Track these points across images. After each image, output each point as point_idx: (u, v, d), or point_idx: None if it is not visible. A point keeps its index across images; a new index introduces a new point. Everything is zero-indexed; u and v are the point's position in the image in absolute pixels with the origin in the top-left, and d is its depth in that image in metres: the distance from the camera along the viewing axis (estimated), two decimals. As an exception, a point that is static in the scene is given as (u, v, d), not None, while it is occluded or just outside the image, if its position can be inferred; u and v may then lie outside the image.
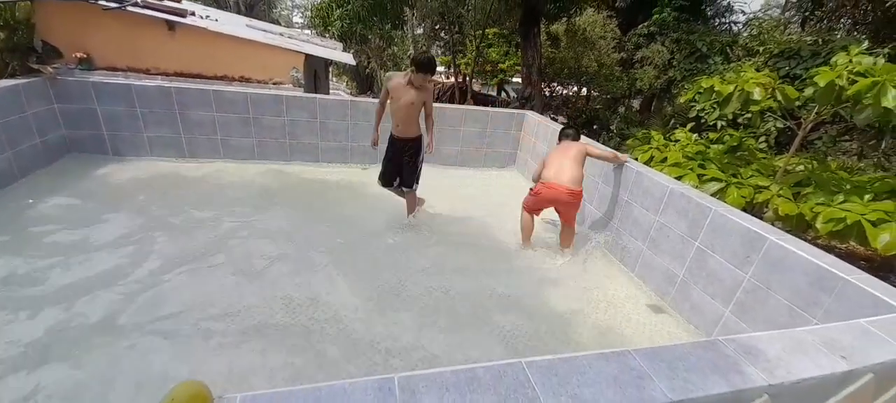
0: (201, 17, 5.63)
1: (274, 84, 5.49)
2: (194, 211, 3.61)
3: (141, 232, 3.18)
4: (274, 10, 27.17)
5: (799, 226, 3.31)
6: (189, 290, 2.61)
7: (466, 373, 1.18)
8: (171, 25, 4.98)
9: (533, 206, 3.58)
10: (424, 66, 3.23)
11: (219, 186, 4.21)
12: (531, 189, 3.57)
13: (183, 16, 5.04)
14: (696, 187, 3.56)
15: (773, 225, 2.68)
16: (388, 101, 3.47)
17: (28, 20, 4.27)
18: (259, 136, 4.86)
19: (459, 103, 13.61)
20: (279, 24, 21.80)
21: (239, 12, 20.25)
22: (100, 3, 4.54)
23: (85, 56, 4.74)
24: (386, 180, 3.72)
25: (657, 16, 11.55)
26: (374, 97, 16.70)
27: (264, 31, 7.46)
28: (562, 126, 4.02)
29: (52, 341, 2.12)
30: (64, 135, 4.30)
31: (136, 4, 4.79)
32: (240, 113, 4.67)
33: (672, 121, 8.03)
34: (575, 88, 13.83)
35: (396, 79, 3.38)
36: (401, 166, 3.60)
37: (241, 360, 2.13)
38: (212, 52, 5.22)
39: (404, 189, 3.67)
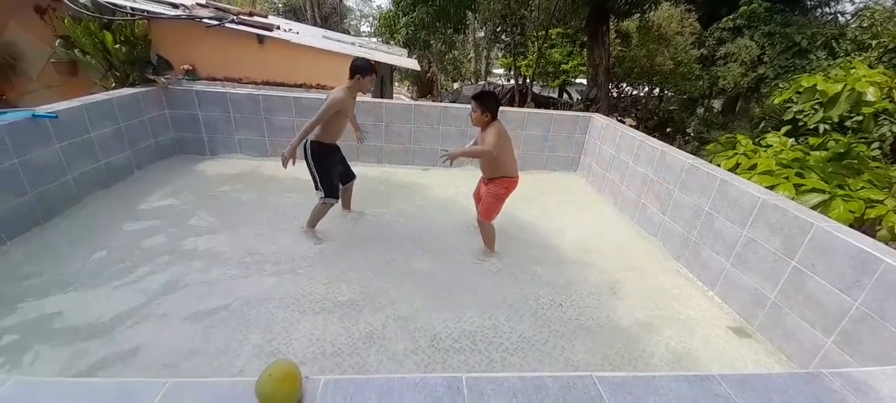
0: (285, 31, 6.15)
1: (345, 90, 5.84)
2: (272, 202, 3.96)
3: (226, 219, 3.57)
4: (345, 21, 28.86)
5: (922, 248, 2.83)
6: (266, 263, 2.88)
7: (534, 381, 1.18)
8: (260, 39, 5.51)
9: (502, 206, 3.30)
10: (371, 67, 3.18)
11: (295, 183, 4.56)
12: (502, 186, 3.19)
13: (270, 30, 5.55)
14: (793, 199, 3.19)
15: (887, 244, 2.32)
16: (333, 118, 3.19)
17: (145, 36, 4.94)
18: (331, 139, 5.19)
19: (520, 106, 13.43)
20: (349, 33, 23.08)
21: (315, 24, 21.80)
22: (203, 20, 5.16)
23: (191, 68, 5.41)
24: (337, 189, 3.49)
25: (745, 7, 10.48)
26: (434, 100, 17.01)
27: (339, 41, 7.95)
28: (480, 92, 3.20)
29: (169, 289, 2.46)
30: (172, 136, 4.94)
31: (232, 21, 5.36)
32: (315, 117, 5.03)
33: (762, 123, 7.24)
34: (646, 88, 12.99)
35: (345, 98, 3.14)
36: (344, 164, 3.66)
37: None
38: (294, 62, 5.69)
39: (351, 180, 3.78)
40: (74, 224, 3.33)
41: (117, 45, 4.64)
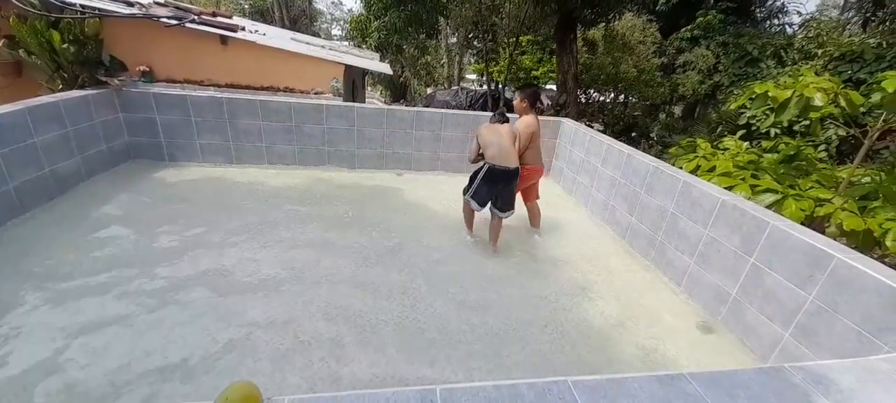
0: (251, 32, 5.94)
1: (315, 94, 5.70)
2: (237, 212, 3.79)
3: (186, 231, 3.37)
4: (315, 23, 28.35)
5: (866, 243, 3.03)
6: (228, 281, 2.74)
7: (509, 389, 1.16)
8: (224, 40, 5.29)
9: None
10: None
11: (261, 190, 4.40)
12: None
13: (235, 31, 5.35)
14: (749, 198, 3.35)
15: (835, 240, 2.47)
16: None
17: (97, 35, 4.62)
18: (300, 144, 5.05)
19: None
20: (319, 36, 22.68)
21: (283, 26, 21.30)
22: (162, 19, 4.90)
23: (147, 69, 5.12)
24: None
25: (701, 19, 11.08)
26: (407, 105, 16.97)
27: (308, 43, 7.78)
28: (525, 84, 4.20)
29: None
30: (127, 141, 4.65)
31: (193, 21, 5.12)
32: (283, 121, 4.88)
33: (719, 128, 7.63)
34: (612, 95, 13.45)
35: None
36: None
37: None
38: (260, 65, 5.49)
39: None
40: (16, 237, 3.06)
41: (65, 45, 4.33)
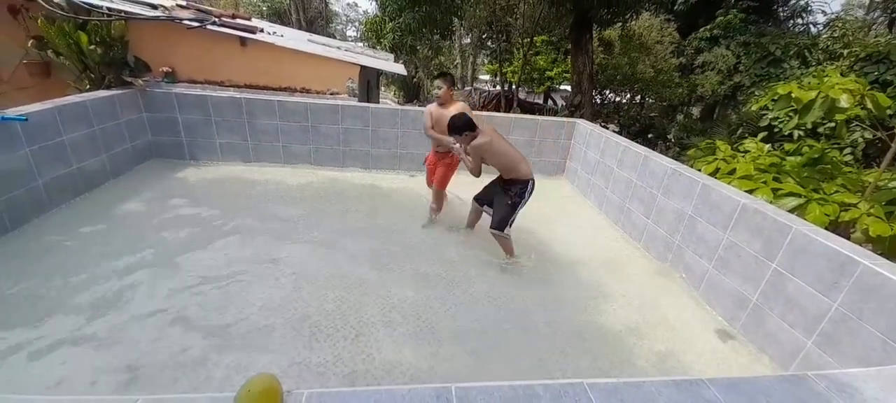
0: (269, 34, 6.06)
1: (331, 94, 5.78)
2: (256, 210, 3.87)
3: (207, 228, 3.46)
4: (330, 25, 28.68)
5: (892, 249, 2.93)
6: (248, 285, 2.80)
7: (525, 389, 1.16)
8: (243, 41, 5.41)
9: None
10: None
11: (278, 189, 4.47)
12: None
13: (253, 32, 5.46)
14: (771, 202, 3.27)
15: (861, 246, 2.39)
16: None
17: (122, 37, 4.78)
18: (316, 144, 5.12)
19: (506, 111, 13.53)
20: (335, 38, 22.93)
21: (300, 28, 21.61)
22: (184, 22, 5.04)
23: (170, 70, 5.27)
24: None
25: (722, 18, 10.85)
26: (420, 105, 17.04)
27: (324, 45, 7.88)
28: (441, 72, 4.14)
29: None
30: (150, 140, 4.79)
31: (214, 23, 5.25)
32: (300, 122, 4.96)
33: (739, 130, 7.46)
34: (628, 95, 13.27)
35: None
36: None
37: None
38: (278, 65, 5.60)
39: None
40: (45, 232, 3.18)
41: (92, 46, 4.48)
